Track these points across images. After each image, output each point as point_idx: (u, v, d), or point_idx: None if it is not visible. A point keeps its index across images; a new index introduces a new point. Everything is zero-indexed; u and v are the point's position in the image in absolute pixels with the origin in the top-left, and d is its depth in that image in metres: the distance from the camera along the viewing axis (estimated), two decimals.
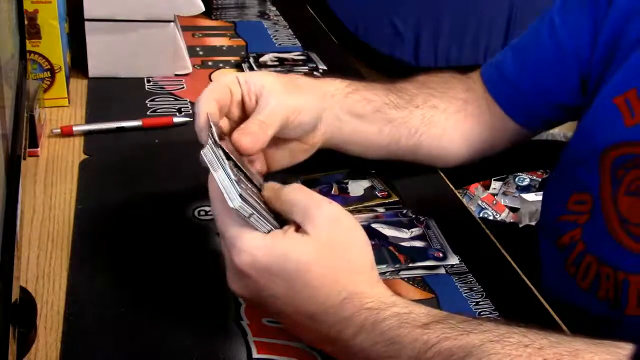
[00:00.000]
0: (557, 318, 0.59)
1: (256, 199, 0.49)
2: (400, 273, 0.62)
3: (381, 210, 0.70)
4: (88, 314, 0.54)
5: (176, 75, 0.96)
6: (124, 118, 0.81)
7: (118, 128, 0.80)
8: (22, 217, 0.61)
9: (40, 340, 0.51)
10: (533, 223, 1.37)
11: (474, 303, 0.59)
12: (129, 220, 0.65)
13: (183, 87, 0.93)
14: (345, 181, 0.74)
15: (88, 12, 0.88)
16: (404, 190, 0.73)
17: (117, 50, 0.92)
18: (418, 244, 0.64)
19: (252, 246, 0.47)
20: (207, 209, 0.67)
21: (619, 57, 0.66)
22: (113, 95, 0.89)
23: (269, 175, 0.73)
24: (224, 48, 1.09)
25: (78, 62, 0.93)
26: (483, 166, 0.79)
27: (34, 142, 0.73)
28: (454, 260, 0.63)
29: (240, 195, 0.46)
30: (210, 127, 0.53)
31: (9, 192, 0.46)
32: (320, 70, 1.00)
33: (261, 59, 1.02)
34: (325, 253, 0.47)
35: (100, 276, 0.58)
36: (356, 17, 1.93)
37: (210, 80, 0.97)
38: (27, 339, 0.50)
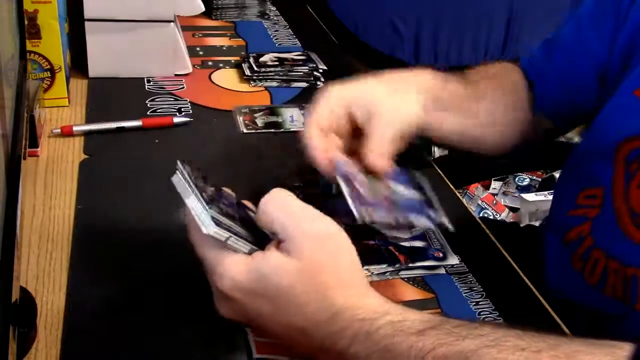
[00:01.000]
0: (557, 318, 0.59)
1: (231, 221, 0.48)
2: (400, 273, 0.62)
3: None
4: (88, 314, 0.54)
5: (176, 75, 0.96)
6: (124, 118, 0.81)
7: (118, 128, 0.80)
8: (22, 217, 0.61)
9: (40, 340, 0.51)
10: (533, 223, 1.37)
11: (474, 303, 0.59)
12: (128, 220, 0.65)
13: (183, 87, 0.93)
14: None
15: (88, 12, 0.88)
16: None
17: (117, 50, 0.92)
18: (418, 243, 0.64)
19: (233, 270, 0.47)
20: None
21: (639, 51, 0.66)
22: (113, 95, 0.89)
23: (270, 177, 0.73)
24: (224, 48, 1.09)
25: (78, 62, 0.93)
26: (483, 166, 0.79)
27: (34, 142, 0.73)
28: (454, 260, 0.63)
29: (214, 220, 0.46)
30: (182, 161, 0.51)
31: (9, 192, 0.46)
32: (320, 70, 1.00)
33: (261, 59, 1.02)
34: (309, 272, 0.47)
35: (100, 276, 0.58)
36: (356, 17, 1.93)
37: (210, 80, 0.97)
38: (27, 339, 0.50)
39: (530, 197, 1.49)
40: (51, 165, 0.73)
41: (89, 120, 0.82)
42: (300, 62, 1.02)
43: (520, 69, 0.80)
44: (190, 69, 0.97)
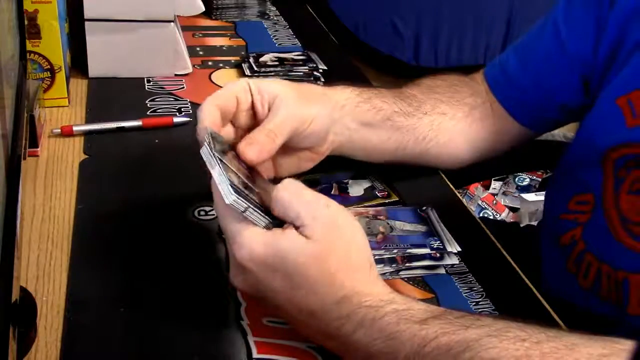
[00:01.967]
0: (557, 318, 0.59)
1: (253, 196, 0.50)
2: (400, 273, 0.62)
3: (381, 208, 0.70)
4: (88, 314, 0.54)
5: (176, 75, 0.96)
6: (124, 118, 0.81)
7: (118, 128, 0.80)
8: (22, 217, 0.61)
9: (40, 340, 0.51)
10: (533, 223, 1.37)
11: (474, 303, 0.59)
12: (128, 220, 0.65)
13: (183, 87, 0.93)
14: (346, 181, 0.74)
15: (88, 12, 0.89)
16: (404, 190, 0.73)
17: (117, 50, 0.92)
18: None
19: (252, 241, 0.48)
20: (207, 209, 0.67)
21: (622, 58, 0.66)
22: (113, 95, 0.89)
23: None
24: (224, 48, 1.09)
25: (78, 62, 0.93)
26: (483, 166, 0.80)
27: (34, 142, 0.73)
28: (454, 260, 0.63)
29: (235, 189, 0.47)
30: (207, 127, 0.53)
31: (9, 192, 0.46)
32: (320, 70, 1.00)
33: (261, 59, 1.02)
34: (323, 257, 0.48)
35: (100, 276, 0.58)
36: (356, 17, 1.94)
37: (210, 80, 0.97)
38: (27, 339, 0.50)
39: (530, 197, 1.49)
40: (51, 165, 0.73)
41: (89, 120, 0.82)
42: (300, 62, 1.02)
43: (484, 78, 0.78)
44: (190, 69, 0.97)
